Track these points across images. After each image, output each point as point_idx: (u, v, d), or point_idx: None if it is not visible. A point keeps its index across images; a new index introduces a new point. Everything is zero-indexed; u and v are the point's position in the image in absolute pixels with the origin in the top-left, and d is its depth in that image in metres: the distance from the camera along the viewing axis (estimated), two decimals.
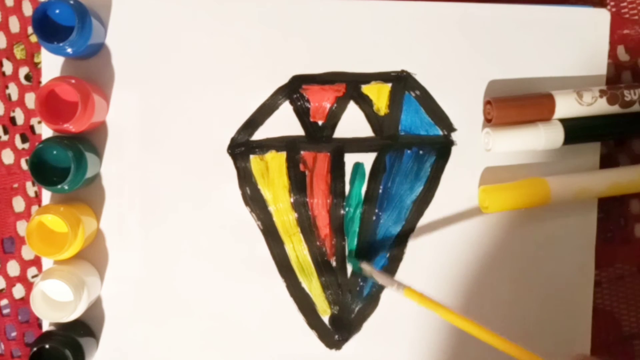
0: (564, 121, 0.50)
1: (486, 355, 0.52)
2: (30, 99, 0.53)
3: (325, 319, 0.52)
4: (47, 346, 0.46)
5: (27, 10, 0.53)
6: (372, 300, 0.52)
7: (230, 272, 0.51)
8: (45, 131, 0.49)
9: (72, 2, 0.45)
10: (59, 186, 0.45)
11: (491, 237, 0.52)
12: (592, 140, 0.52)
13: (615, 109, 0.50)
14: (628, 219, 0.54)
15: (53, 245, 0.46)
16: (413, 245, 0.51)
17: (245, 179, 0.51)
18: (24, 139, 0.53)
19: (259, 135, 0.51)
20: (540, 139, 0.50)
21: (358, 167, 0.51)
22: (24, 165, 0.53)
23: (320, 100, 0.51)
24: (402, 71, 0.51)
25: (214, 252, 0.51)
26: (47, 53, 0.49)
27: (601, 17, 0.52)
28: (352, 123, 0.51)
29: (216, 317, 0.51)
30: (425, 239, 0.51)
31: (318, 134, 0.51)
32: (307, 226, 0.51)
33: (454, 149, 0.52)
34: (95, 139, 0.50)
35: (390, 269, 0.51)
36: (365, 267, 0.50)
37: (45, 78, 0.49)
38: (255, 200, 0.51)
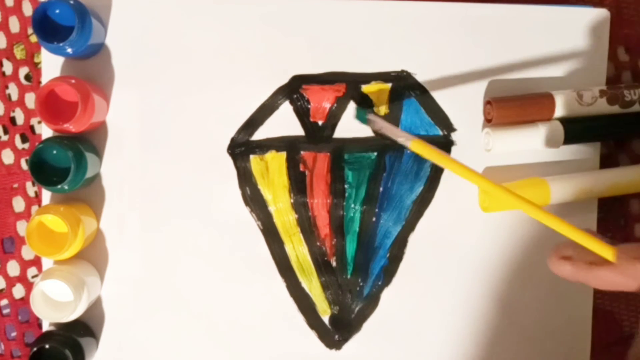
0: (564, 121, 0.50)
1: (486, 354, 0.52)
2: (30, 99, 0.53)
3: (325, 319, 0.52)
4: (47, 346, 0.46)
5: (27, 10, 0.53)
6: (372, 300, 0.51)
7: (230, 272, 0.51)
8: (45, 131, 0.49)
9: (72, 2, 0.45)
10: (59, 186, 0.45)
11: (491, 237, 0.52)
12: (592, 140, 0.52)
13: (615, 109, 0.50)
14: (628, 219, 0.54)
15: (53, 245, 0.46)
16: (413, 245, 0.51)
17: (245, 179, 0.51)
18: (24, 139, 0.53)
19: (259, 135, 0.51)
20: (540, 139, 0.50)
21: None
22: (24, 165, 0.53)
23: (320, 100, 0.51)
24: (402, 71, 0.51)
25: (214, 252, 0.51)
26: (47, 53, 0.49)
27: (601, 17, 0.52)
28: (352, 123, 0.51)
29: (216, 317, 0.51)
30: (425, 239, 0.51)
31: (318, 134, 0.51)
32: (307, 226, 0.51)
33: (454, 149, 0.51)
34: (95, 139, 0.50)
35: (390, 269, 0.51)
36: (372, 117, 0.49)
37: (45, 78, 0.49)
38: (255, 200, 0.51)
